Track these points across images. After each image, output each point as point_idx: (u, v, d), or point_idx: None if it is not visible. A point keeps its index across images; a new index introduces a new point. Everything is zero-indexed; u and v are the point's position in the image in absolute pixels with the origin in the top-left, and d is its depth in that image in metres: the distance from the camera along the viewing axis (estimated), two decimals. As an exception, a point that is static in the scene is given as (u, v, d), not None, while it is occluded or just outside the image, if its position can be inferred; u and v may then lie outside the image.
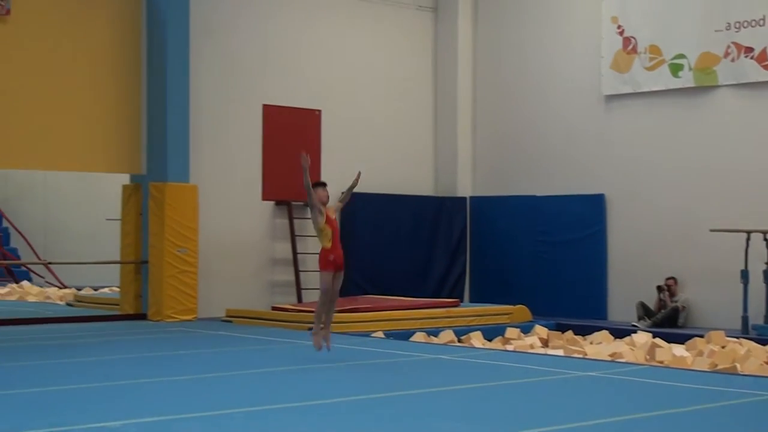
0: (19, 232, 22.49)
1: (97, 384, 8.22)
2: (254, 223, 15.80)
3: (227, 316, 14.26)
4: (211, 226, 15.05)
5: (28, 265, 22.29)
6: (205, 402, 7.35)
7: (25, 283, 20.99)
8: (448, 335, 13.34)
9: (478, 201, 17.95)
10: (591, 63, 16.49)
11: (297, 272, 15.92)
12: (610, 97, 16.30)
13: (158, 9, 14.49)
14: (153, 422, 6.57)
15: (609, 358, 11.72)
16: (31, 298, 18.96)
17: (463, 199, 18.00)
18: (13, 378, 8.56)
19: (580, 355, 11.88)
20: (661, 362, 11.67)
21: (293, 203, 16.08)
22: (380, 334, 13.05)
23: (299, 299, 15.76)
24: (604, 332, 13.84)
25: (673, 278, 15.24)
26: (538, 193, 17.06)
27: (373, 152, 17.27)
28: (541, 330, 14.23)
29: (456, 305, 14.95)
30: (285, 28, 16.28)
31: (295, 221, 16.06)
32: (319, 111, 16.55)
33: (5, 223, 23.21)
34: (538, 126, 17.29)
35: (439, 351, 11.05)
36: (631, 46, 15.94)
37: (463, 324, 14.23)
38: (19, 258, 22.38)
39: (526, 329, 14.44)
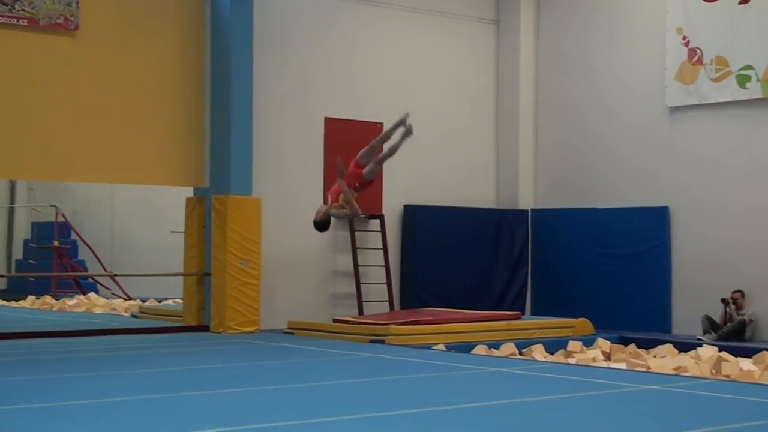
0: (87, 245, 22.83)
1: (160, 395, 8.28)
2: (316, 235, 15.75)
3: (289, 328, 14.30)
4: (273, 239, 15.12)
5: (95, 277, 22.61)
6: (267, 414, 7.36)
7: (92, 294, 21.30)
8: (509, 348, 13.26)
9: (539, 213, 17.83)
10: (655, 74, 16.29)
11: (358, 284, 15.92)
12: (675, 109, 16.09)
13: (222, 22, 14.62)
14: (214, 433, 6.60)
15: (673, 372, 11.53)
16: (97, 310, 19.20)
17: (525, 211, 17.88)
18: (78, 388, 8.65)
19: (644, 369, 11.74)
20: (728, 376, 11.46)
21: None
22: (441, 347, 13.01)
23: (360, 311, 15.76)
24: (668, 345, 13.65)
25: (740, 291, 14.98)
26: (601, 206, 16.89)
27: (435, 165, 17.24)
28: (603, 343, 14.08)
29: (517, 318, 14.86)
30: (346, 40, 16.34)
31: (357, 233, 16.07)
32: (381, 124, 16.54)
33: (73, 236, 23.57)
34: (601, 137, 17.12)
35: (500, 364, 10.96)
36: (696, 57, 15.73)
37: (524, 337, 14.12)
38: (86, 270, 22.72)
39: (588, 342, 14.30)
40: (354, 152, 16.33)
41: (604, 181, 16.99)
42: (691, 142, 15.93)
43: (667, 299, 15.99)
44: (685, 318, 15.64)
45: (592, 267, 16.91)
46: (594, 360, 12.86)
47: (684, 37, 15.91)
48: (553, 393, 8.71)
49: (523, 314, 16.54)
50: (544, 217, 17.75)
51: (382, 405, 7.83)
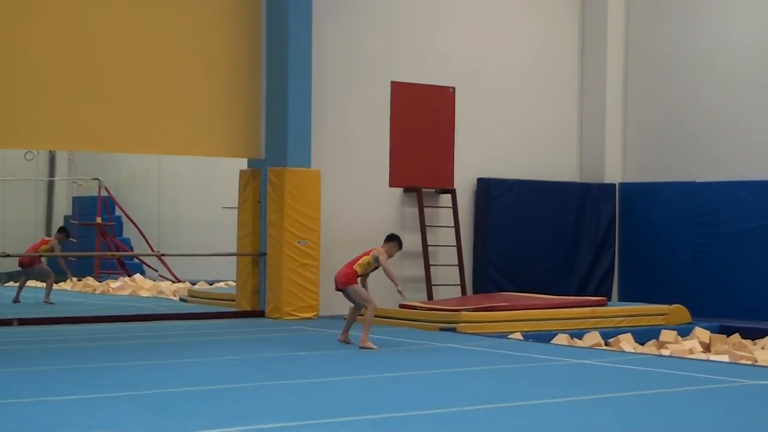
0: (132, 222, 23.08)
1: (211, 387, 8.32)
2: (381, 212, 15.82)
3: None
4: (334, 216, 15.13)
5: (141, 258, 22.87)
6: (326, 408, 7.36)
7: (137, 276, 21.55)
8: (594, 337, 13.16)
9: (628, 188, 17.63)
10: (766, 31, 15.95)
11: (427, 266, 15.89)
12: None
13: (278, -20, 14.63)
14: (271, 428, 6.60)
15: (782, 366, 11.36)
16: (143, 293, 19.43)
17: (612, 185, 17.70)
18: (125, 377, 8.73)
19: (749, 362, 11.57)
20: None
21: (424, 190, 16.05)
22: (518, 336, 12.95)
23: (429, 296, 15.74)
24: (777, 336, 13.51)
25: None
26: (699, 179, 16.64)
27: (512, 134, 17.12)
28: (701, 333, 13.92)
29: (603, 304, 14.73)
30: (414, -2, 16.28)
31: (426, 210, 16.02)
32: (453, 89, 16.45)
33: (117, 212, 23.84)
34: (701, 103, 16.83)
35: (584, 355, 10.87)
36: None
37: (611, 325, 14.00)
38: (131, 249, 22.99)
39: (684, 332, 14.14)
40: (424, 120, 16.25)
41: (704, 152, 16.72)
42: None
43: (776, 284, 15.75)
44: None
45: (688, 247, 16.68)
46: (691, 352, 12.71)
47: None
48: (644, 388, 8.60)
49: (610, 300, 16.40)
50: (633, 191, 17.55)
51: (452, 400, 7.80)
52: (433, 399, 7.88)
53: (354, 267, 11.23)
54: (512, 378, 9.25)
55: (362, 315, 11.30)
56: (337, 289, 11.36)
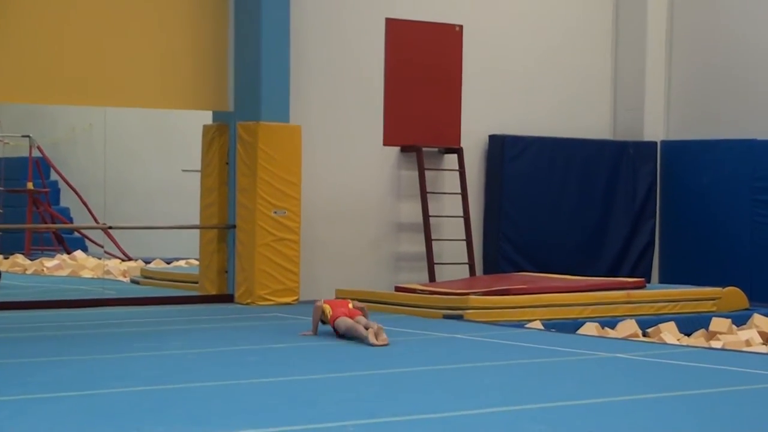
0: (72, 188, 23.02)
1: (167, 386, 8.35)
2: (373, 175, 15.83)
3: (337, 299, 14.33)
4: (318, 180, 15.16)
5: (83, 231, 22.82)
6: (307, 411, 7.38)
7: (78, 253, 21.51)
8: (629, 327, 13.21)
9: (673, 147, 17.67)
10: None
11: (429, 241, 15.93)
12: None
13: None
14: (240, 437, 6.64)
15: None
16: (86, 273, 19.44)
17: (653, 144, 17.74)
18: (62, 375, 8.75)
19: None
20: None
21: (425, 150, 16.05)
22: (538, 325, 13.00)
23: (431, 277, 15.78)
24: None
25: None
26: (759, 136, 16.69)
27: (531, 82, 17.15)
28: (761, 321, 13.98)
29: (641, 286, 14.80)
30: None
31: (428, 173, 16.04)
32: (460, 27, 16.44)
33: (53, 176, 23.77)
34: (762, 44, 16.86)
35: (617, 348, 10.91)
36: None
37: (650, 312, 14.09)
38: (71, 221, 22.93)
39: (739, 320, 14.18)
40: (425, 65, 16.22)
41: (766, 103, 16.72)
42: None
43: None
44: None
45: (746, 218, 16.77)
46: (748, 344, 12.77)
47: None
48: (690, 388, 8.63)
49: (649, 282, 16.47)
50: (678, 151, 17.59)
51: (457, 402, 7.82)
52: (434, 400, 7.90)
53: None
54: (530, 375, 9.27)
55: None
56: None
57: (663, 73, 17.84)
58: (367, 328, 10.69)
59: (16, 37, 13.64)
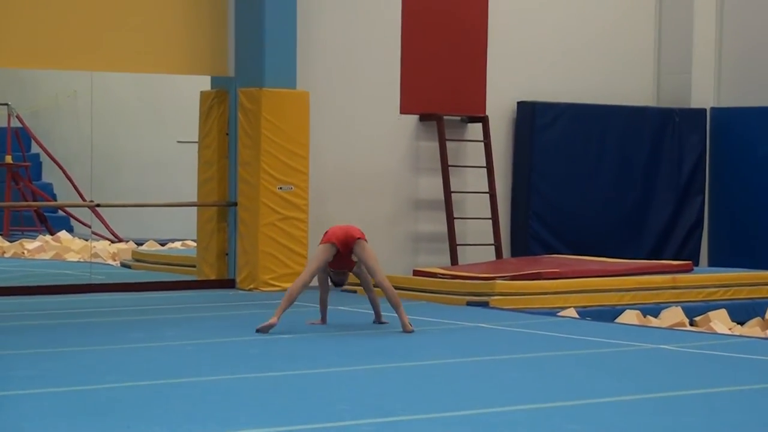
0: (55, 161, 23.07)
1: (162, 381, 8.40)
2: (389, 147, 15.85)
3: (350, 284, 14.37)
4: (328, 153, 15.19)
5: (68, 209, 22.87)
6: (314, 408, 7.42)
7: (62, 234, 21.55)
8: (674, 315, 13.24)
9: (724, 115, 17.65)
10: None
11: (450, 220, 15.95)
12: None
13: None
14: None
15: None
16: (71, 256, 19.48)
17: (701, 111, 17.73)
18: (46, 368, 8.80)
19: None
20: None
21: (446, 119, 16.06)
22: (572, 313, 13.03)
23: (453, 260, 15.80)
24: None
25: None
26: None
27: (563, 44, 17.15)
28: (821, 308, 14.02)
29: (688, 270, 14.82)
30: None
31: (449, 145, 16.04)
32: (485, -14, 16.45)
33: (35, 148, 23.81)
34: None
35: (661, 338, 10.93)
36: None
37: (698, 299, 14.12)
38: (54, 198, 22.98)
39: (799, 307, 14.22)
40: (445, 29, 16.23)
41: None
42: None
43: None
44: None
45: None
46: (808, 333, 12.82)
47: None
48: (743, 383, 8.65)
49: (697, 265, 16.47)
50: (730, 119, 17.58)
51: (482, 398, 7.86)
52: (456, 396, 7.94)
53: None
54: (563, 369, 9.31)
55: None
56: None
57: (713, 32, 17.80)
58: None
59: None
